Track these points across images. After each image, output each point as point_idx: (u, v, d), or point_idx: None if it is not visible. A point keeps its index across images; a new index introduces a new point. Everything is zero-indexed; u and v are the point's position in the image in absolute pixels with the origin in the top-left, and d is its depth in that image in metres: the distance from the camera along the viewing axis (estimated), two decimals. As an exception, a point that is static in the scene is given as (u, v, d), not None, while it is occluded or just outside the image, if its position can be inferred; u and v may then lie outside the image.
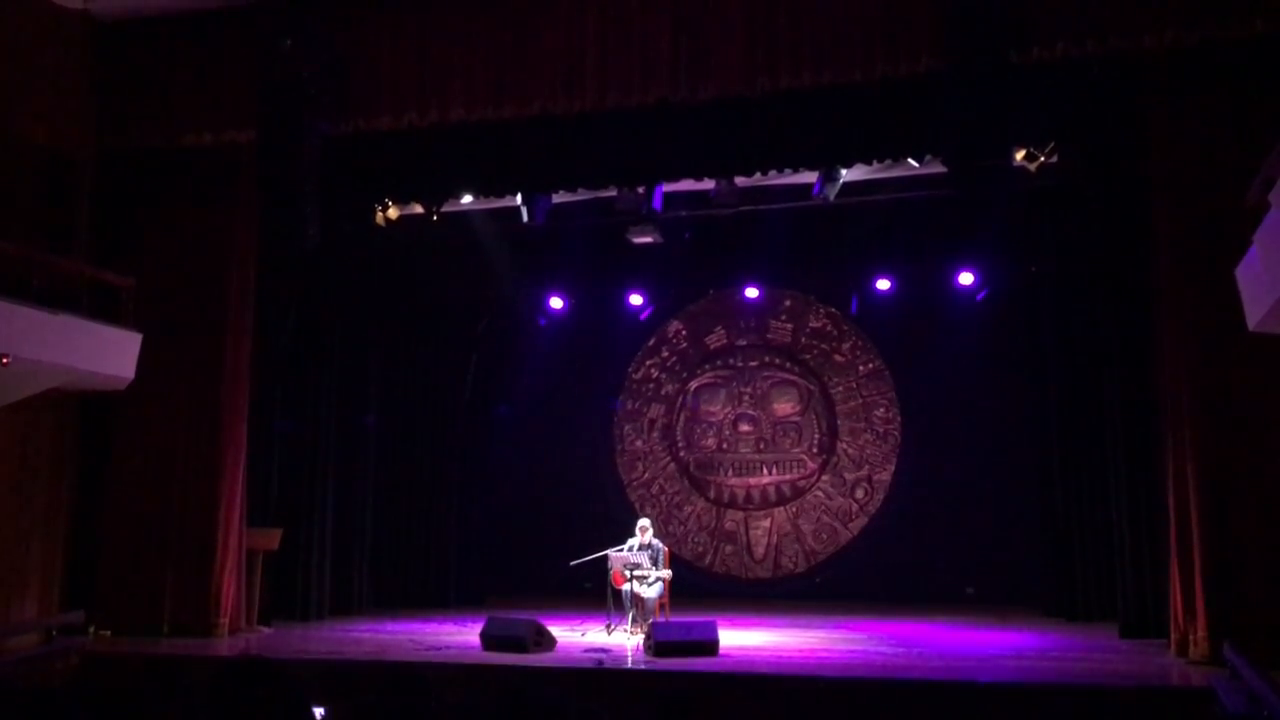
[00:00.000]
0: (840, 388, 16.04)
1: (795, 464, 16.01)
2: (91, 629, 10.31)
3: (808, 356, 16.20)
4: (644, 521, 11.30)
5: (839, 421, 15.98)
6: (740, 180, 11.77)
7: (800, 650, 10.05)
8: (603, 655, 9.18)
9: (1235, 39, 8.86)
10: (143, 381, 10.53)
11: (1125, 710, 7.72)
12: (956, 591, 14.45)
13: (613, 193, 12.23)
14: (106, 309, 10.41)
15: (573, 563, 11.40)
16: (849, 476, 15.83)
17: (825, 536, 15.75)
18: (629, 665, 8.90)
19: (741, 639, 10.53)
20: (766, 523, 15.98)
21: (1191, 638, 8.84)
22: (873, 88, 9.73)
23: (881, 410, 15.84)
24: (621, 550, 10.84)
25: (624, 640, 10.24)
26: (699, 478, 16.36)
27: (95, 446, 11.17)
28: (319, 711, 3.02)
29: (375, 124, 10.63)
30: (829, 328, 16.16)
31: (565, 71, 10.20)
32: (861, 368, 16.00)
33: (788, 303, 16.28)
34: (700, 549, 16.12)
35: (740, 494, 16.13)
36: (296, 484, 12.85)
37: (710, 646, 9.31)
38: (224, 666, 2.88)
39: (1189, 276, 9.10)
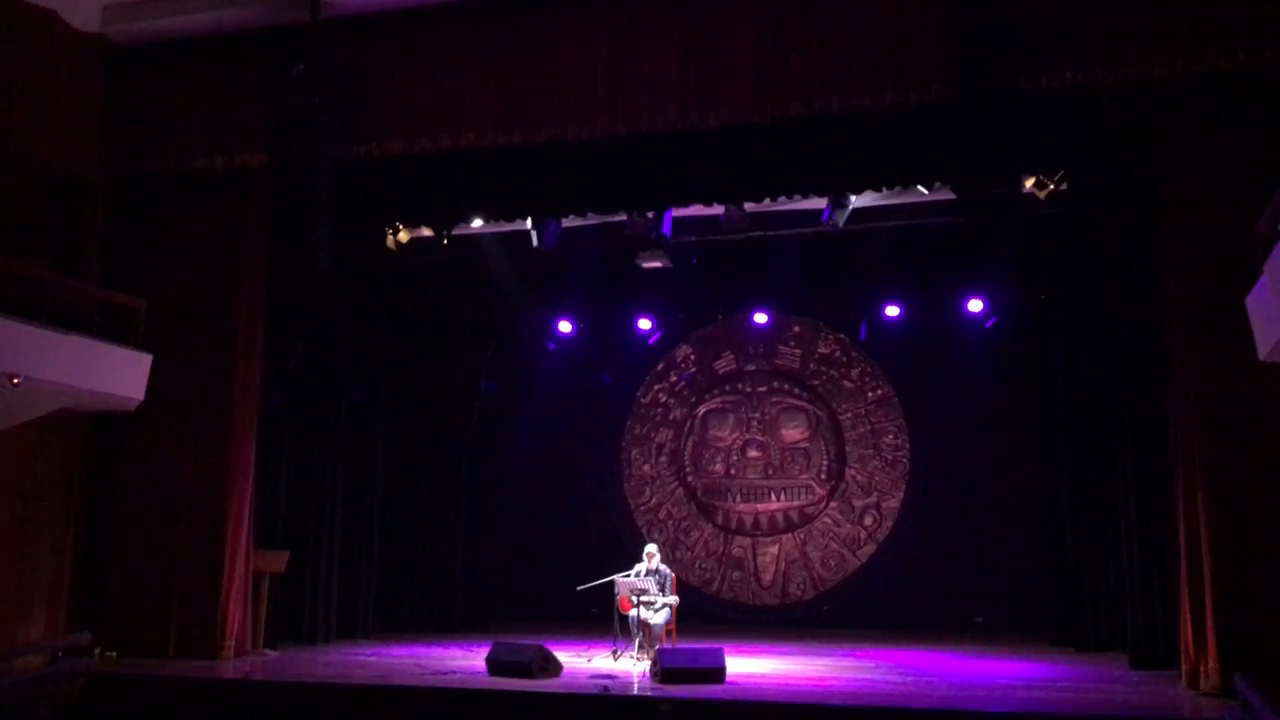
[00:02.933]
0: (849, 414, 16.02)
1: (803, 490, 15.98)
2: (98, 650, 10.30)
3: (816, 382, 16.19)
4: (651, 547, 11.26)
5: (847, 448, 15.95)
6: (749, 206, 11.81)
7: (808, 678, 9.99)
8: (609, 682, 9.13)
9: (1245, 68, 8.86)
10: (152, 403, 10.58)
11: (1136, 742, 7.67)
12: (965, 620, 14.38)
13: (622, 218, 12.27)
14: (117, 330, 10.46)
15: (579, 588, 11.34)
16: (857, 503, 15.78)
17: (833, 564, 15.69)
18: (635, 692, 8.85)
19: (748, 666, 10.48)
20: (774, 549, 15.93)
21: (1202, 669, 8.76)
22: (882, 115, 9.76)
23: (890, 437, 15.81)
24: (629, 576, 10.79)
25: (630, 666, 10.19)
26: (707, 503, 16.33)
27: (103, 467, 11.20)
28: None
29: (386, 148, 10.68)
30: (838, 354, 16.16)
31: (576, 98, 10.25)
32: (870, 394, 15.98)
33: (796, 328, 16.29)
34: (708, 575, 16.07)
35: (748, 520, 16.09)
36: (304, 506, 12.86)
37: (717, 673, 9.26)
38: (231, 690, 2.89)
39: (1199, 305, 9.08)
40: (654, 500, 16.59)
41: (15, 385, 9.28)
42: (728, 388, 16.53)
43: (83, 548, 10.99)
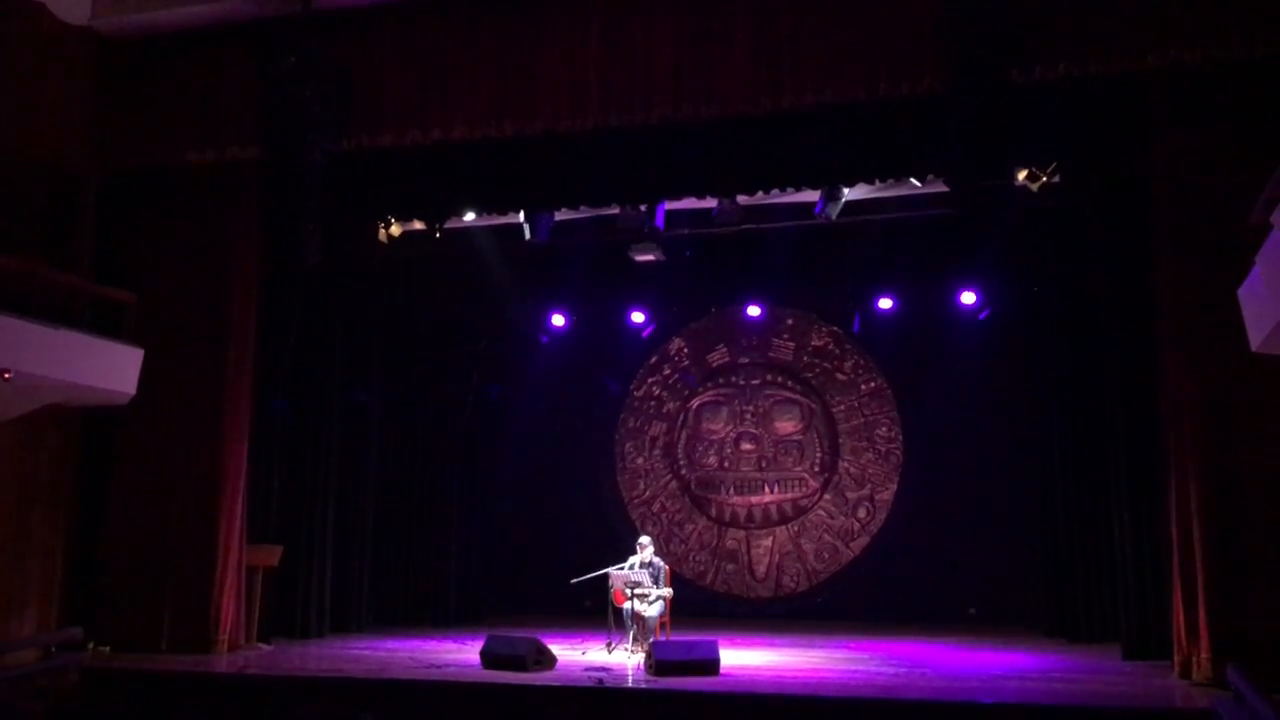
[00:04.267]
0: (842, 406, 16.03)
1: (797, 483, 15.98)
2: (90, 645, 10.27)
3: (810, 375, 16.19)
4: (644, 539, 11.27)
5: (841, 440, 15.96)
6: (742, 199, 11.80)
7: (801, 670, 10.01)
8: (603, 674, 9.14)
9: (1238, 60, 8.87)
10: (144, 397, 10.55)
11: (1128, 732, 7.69)
12: (958, 611, 14.41)
13: (615, 210, 12.25)
14: (108, 325, 10.42)
15: (573, 580, 11.37)
16: (851, 495, 15.80)
17: (827, 556, 15.71)
18: (629, 684, 8.85)
19: (742, 658, 10.50)
20: (768, 541, 15.94)
21: (1194, 659, 8.79)
22: (875, 107, 9.75)
23: (883, 429, 15.82)
24: (622, 568, 10.81)
25: (624, 659, 10.20)
26: (700, 496, 16.34)
27: (96, 462, 11.16)
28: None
29: (378, 141, 10.65)
30: (831, 346, 16.17)
31: (568, 90, 10.22)
32: (863, 386, 15.99)
33: (790, 321, 16.29)
34: (701, 567, 16.08)
35: (742, 512, 16.09)
36: (297, 500, 12.83)
37: (711, 666, 9.26)
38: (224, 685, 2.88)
39: (1191, 297, 9.09)
40: (647, 493, 16.60)
41: (6, 379, 9.24)
42: (721, 380, 16.53)
43: (75, 543, 10.95)
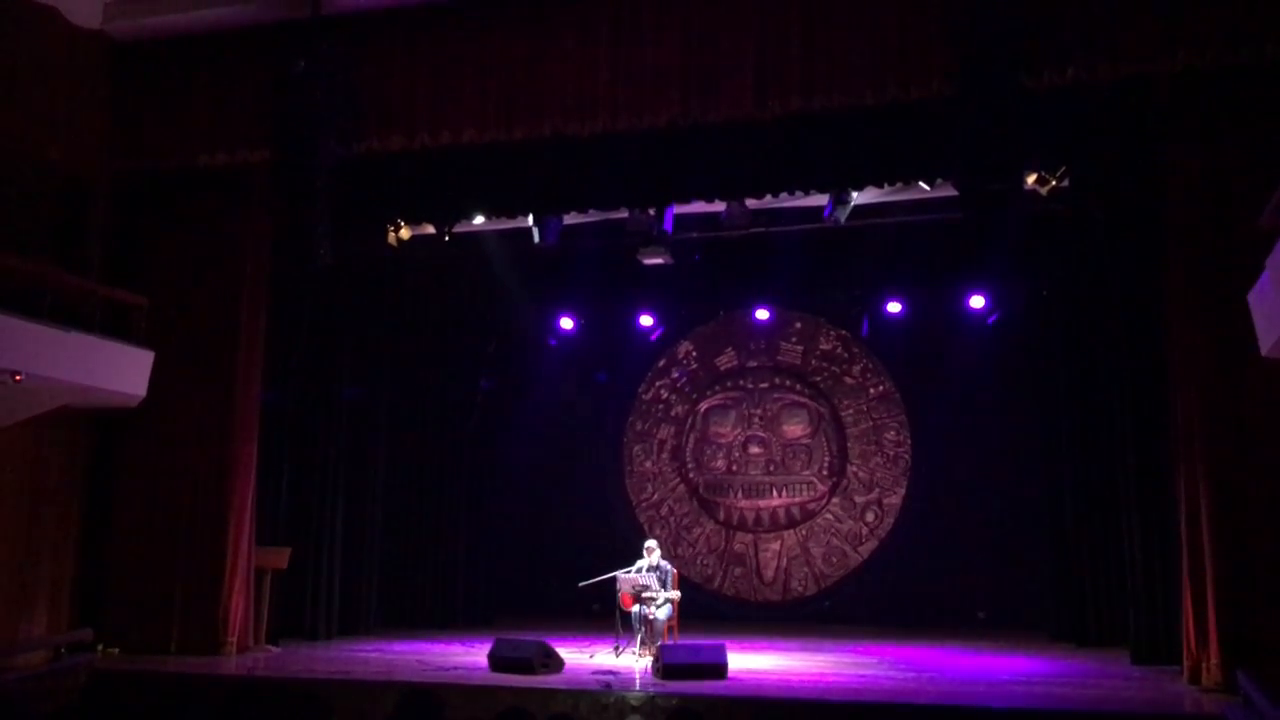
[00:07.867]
0: (850, 410, 16.01)
1: (805, 486, 15.97)
2: (100, 646, 10.32)
3: (818, 379, 16.19)
4: (651, 543, 11.26)
5: (849, 444, 15.95)
6: (751, 202, 11.80)
7: (809, 674, 10.00)
8: (611, 677, 9.14)
9: (1248, 64, 8.85)
10: (154, 400, 10.59)
11: (1137, 737, 7.67)
12: (967, 615, 14.40)
13: (624, 214, 12.25)
14: (119, 327, 10.48)
15: (581, 584, 11.37)
16: (859, 499, 15.78)
17: (835, 560, 15.70)
18: (637, 688, 8.85)
19: (750, 662, 10.49)
20: (776, 545, 15.93)
21: (1204, 665, 8.76)
22: (884, 111, 9.74)
23: (892, 433, 15.81)
24: (630, 572, 10.80)
25: (632, 662, 10.20)
26: (708, 499, 16.33)
27: (106, 463, 11.21)
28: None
29: (388, 145, 10.67)
30: (839, 350, 16.16)
31: (576, 94, 10.24)
32: (872, 390, 15.97)
33: (798, 324, 16.29)
34: (709, 571, 16.08)
35: (750, 516, 16.09)
36: (306, 503, 12.86)
37: (718, 669, 9.27)
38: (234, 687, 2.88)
39: (1201, 301, 9.07)
40: (656, 496, 16.60)
41: (17, 382, 9.28)
42: (729, 384, 16.53)
43: (85, 544, 10.99)
